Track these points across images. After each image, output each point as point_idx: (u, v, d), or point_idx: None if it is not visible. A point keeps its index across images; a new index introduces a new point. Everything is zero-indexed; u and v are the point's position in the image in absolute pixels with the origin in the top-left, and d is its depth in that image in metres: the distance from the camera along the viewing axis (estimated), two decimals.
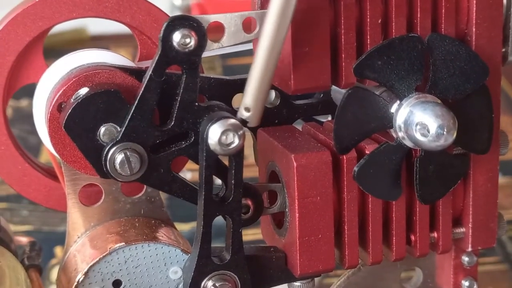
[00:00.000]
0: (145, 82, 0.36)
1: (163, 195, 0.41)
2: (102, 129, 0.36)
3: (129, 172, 0.36)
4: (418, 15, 0.36)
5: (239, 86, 0.41)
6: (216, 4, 1.06)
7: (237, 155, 0.35)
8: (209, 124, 0.35)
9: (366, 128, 0.35)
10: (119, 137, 0.36)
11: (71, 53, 0.39)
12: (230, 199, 0.36)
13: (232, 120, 0.35)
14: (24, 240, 0.45)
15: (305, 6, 0.35)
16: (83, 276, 0.38)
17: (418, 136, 0.33)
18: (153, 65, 0.35)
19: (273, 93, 0.42)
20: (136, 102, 0.36)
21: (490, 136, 0.37)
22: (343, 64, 0.36)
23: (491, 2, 0.37)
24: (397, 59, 0.34)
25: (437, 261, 0.43)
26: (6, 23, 0.39)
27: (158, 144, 0.37)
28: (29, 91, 0.40)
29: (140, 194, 0.41)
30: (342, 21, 0.35)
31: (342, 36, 0.36)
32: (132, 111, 0.36)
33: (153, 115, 0.36)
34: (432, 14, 0.37)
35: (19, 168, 0.41)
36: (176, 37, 0.35)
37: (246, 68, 0.41)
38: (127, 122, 0.36)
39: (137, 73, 0.38)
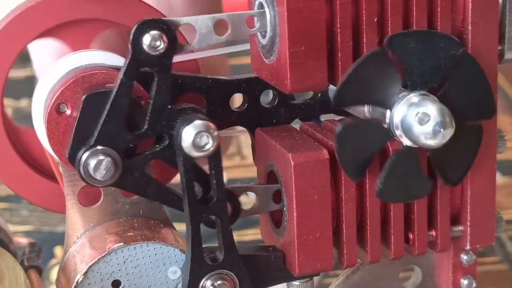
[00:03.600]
0: (117, 87, 0.35)
1: None
2: None
3: (103, 177, 0.36)
4: (414, 14, 0.36)
5: (237, 86, 0.41)
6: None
7: (214, 156, 0.35)
8: (181, 127, 0.35)
9: (369, 150, 0.36)
10: (92, 142, 0.36)
11: (69, 54, 0.40)
12: (214, 199, 0.36)
13: (204, 122, 0.35)
14: (23, 241, 0.45)
15: (301, 5, 0.35)
16: (82, 276, 0.38)
17: (420, 139, 0.34)
18: (124, 68, 0.35)
19: (270, 93, 0.42)
20: (108, 106, 0.36)
21: (491, 96, 0.37)
22: (340, 63, 0.36)
23: (487, 0, 0.37)
24: (370, 77, 0.35)
25: (436, 259, 0.43)
26: (4, 25, 0.39)
27: (132, 149, 0.36)
28: (29, 91, 0.41)
29: None
30: (338, 20, 0.36)
31: (338, 35, 0.36)
32: (104, 115, 0.36)
33: (126, 118, 0.36)
34: (428, 13, 0.37)
35: (18, 170, 0.41)
36: (146, 40, 0.35)
37: (246, 68, 0.41)
38: (99, 126, 0.36)
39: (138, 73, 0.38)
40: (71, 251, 0.40)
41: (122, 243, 0.38)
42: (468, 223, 0.40)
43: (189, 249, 0.37)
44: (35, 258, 0.43)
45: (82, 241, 0.40)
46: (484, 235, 0.40)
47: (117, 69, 0.38)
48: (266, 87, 0.41)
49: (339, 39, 0.36)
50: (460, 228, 0.40)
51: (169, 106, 0.36)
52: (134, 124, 0.36)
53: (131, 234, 0.39)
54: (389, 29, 0.36)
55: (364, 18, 0.36)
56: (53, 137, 0.38)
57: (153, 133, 0.36)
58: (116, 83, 0.36)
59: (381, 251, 0.39)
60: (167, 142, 0.36)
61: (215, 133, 0.35)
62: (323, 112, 0.42)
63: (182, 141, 0.35)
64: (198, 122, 0.35)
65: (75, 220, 0.41)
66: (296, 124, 0.42)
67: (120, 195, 0.41)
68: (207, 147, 0.35)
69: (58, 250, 0.61)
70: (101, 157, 0.36)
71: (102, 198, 0.40)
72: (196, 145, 0.35)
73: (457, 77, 0.36)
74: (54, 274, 0.59)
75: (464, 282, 0.42)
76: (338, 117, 0.42)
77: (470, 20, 0.37)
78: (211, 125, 0.35)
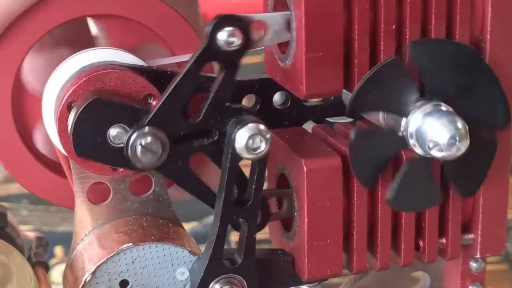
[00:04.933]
0: (184, 72, 0.35)
1: None
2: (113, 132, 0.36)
3: (150, 159, 0.35)
4: (433, 22, 0.36)
5: (250, 87, 0.41)
6: (216, 5, 1.06)
7: (262, 160, 0.35)
8: (237, 128, 0.35)
9: (383, 158, 0.36)
10: (146, 122, 0.35)
11: (81, 51, 0.39)
12: (249, 204, 0.36)
13: (260, 125, 0.35)
14: (31, 235, 0.45)
15: (319, 11, 0.34)
16: (91, 276, 0.38)
17: (433, 152, 0.34)
18: (195, 57, 0.35)
19: (283, 95, 0.41)
20: (171, 90, 0.35)
21: (506, 107, 0.36)
22: (356, 69, 0.35)
23: (506, 9, 0.37)
24: (386, 85, 0.34)
25: (445, 266, 0.43)
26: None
27: (181, 137, 0.36)
28: None
29: (148, 193, 0.41)
30: (356, 26, 0.35)
31: (356, 42, 0.35)
32: (164, 98, 0.35)
33: (184, 106, 0.36)
34: (447, 21, 0.36)
35: (28, 165, 0.41)
36: (222, 35, 0.35)
37: (247, 68, 0.41)
38: (156, 108, 0.35)
39: (148, 73, 0.38)
40: (79, 249, 0.40)
41: (131, 243, 0.38)
42: (479, 232, 0.40)
43: (210, 246, 0.37)
44: (42, 254, 0.42)
45: (90, 239, 0.40)
46: (494, 244, 0.40)
47: (130, 67, 0.38)
48: (279, 88, 0.41)
49: (356, 45, 0.35)
50: (471, 236, 0.40)
51: (227, 104, 0.36)
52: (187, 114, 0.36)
53: (140, 233, 0.39)
54: (407, 36, 0.36)
55: (382, 25, 0.35)
56: (64, 136, 0.37)
57: (206, 126, 0.36)
58: (184, 69, 0.35)
59: (391, 257, 0.39)
60: (215, 138, 0.36)
61: (268, 135, 0.35)
62: (336, 114, 0.42)
63: (235, 142, 0.35)
64: (254, 125, 0.35)
65: (84, 218, 0.40)
66: (308, 125, 0.42)
67: (129, 193, 0.40)
68: (259, 150, 0.35)
69: (58, 250, 0.61)
70: (151, 139, 0.35)
71: (111, 196, 0.40)
72: (248, 147, 0.35)
73: (474, 88, 0.35)
74: (54, 274, 0.59)
75: None
76: (350, 120, 0.41)
77: (489, 29, 0.37)
78: (265, 129, 0.35)
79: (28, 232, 0.45)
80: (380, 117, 0.36)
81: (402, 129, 0.35)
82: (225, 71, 0.35)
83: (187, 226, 0.41)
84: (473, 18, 0.37)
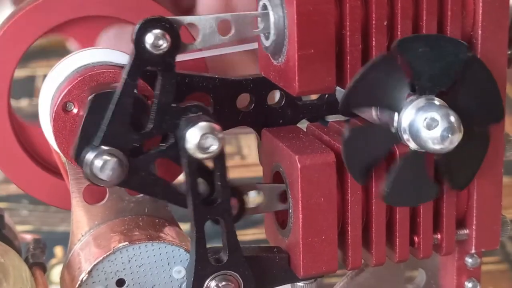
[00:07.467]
0: (121, 86, 0.35)
1: None
2: None
3: (109, 178, 0.35)
4: (424, 18, 0.36)
5: (244, 86, 0.41)
6: None
7: (219, 157, 0.35)
8: (185, 129, 0.35)
9: (376, 154, 0.36)
10: (97, 143, 0.35)
11: (77, 52, 0.39)
12: (219, 201, 0.36)
13: (209, 123, 0.34)
14: (28, 237, 0.45)
15: (311, 8, 0.35)
16: (87, 275, 0.38)
17: (427, 145, 0.34)
18: (128, 68, 0.35)
19: (277, 93, 0.42)
20: (114, 107, 0.35)
21: (500, 100, 0.37)
22: (348, 66, 0.36)
23: (497, 5, 0.37)
24: (378, 82, 0.35)
25: (440, 262, 0.43)
26: (8, 25, 0.39)
27: (138, 149, 0.36)
28: (29, 91, 0.40)
29: None
30: (348, 23, 0.35)
31: (348, 38, 0.35)
32: (109, 116, 0.35)
33: (131, 118, 0.36)
34: (438, 17, 0.37)
35: (25, 167, 0.41)
36: (149, 38, 0.34)
37: None
38: (104, 126, 0.35)
39: (142, 72, 0.38)
40: (76, 249, 0.40)
41: (127, 242, 0.38)
42: (474, 227, 0.40)
43: (193, 249, 0.37)
44: (40, 255, 0.43)
45: (86, 239, 0.40)
46: (489, 239, 0.40)
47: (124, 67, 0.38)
48: (273, 87, 0.41)
49: (348, 42, 0.36)
50: (466, 231, 0.40)
51: (173, 105, 0.36)
52: (140, 123, 0.36)
53: (136, 233, 0.39)
54: (399, 32, 0.36)
55: (373, 22, 0.36)
56: (60, 136, 0.38)
57: (159, 132, 0.36)
58: (120, 83, 0.35)
59: (386, 253, 0.39)
60: (172, 141, 0.36)
61: (220, 134, 0.35)
62: (330, 113, 0.42)
63: (186, 143, 0.34)
64: (202, 124, 0.34)
65: (80, 218, 0.41)
66: (303, 125, 0.42)
67: (125, 194, 0.41)
68: (212, 149, 0.35)
69: (58, 250, 0.61)
70: (107, 158, 0.35)
71: (107, 196, 0.40)
72: (201, 147, 0.34)
73: (465, 81, 0.36)
74: (54, 273, 0.59)
75: (469, 285, 0.42)
76: (345, 118, 0.42)
77: (480, 24, 0.37)
78: (216, 126, 0.34)
79: (25, 234, 0.45)
80: (373, 113, 0.36)
81: (395, 124, 0.35)
82: (162, 74, 0.35)
83: (184, 226, 0.41)
84: (465, 13, 0.37)
